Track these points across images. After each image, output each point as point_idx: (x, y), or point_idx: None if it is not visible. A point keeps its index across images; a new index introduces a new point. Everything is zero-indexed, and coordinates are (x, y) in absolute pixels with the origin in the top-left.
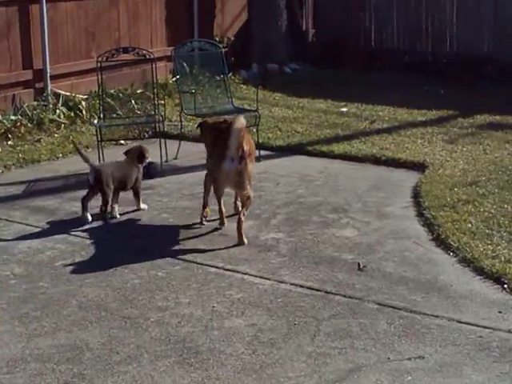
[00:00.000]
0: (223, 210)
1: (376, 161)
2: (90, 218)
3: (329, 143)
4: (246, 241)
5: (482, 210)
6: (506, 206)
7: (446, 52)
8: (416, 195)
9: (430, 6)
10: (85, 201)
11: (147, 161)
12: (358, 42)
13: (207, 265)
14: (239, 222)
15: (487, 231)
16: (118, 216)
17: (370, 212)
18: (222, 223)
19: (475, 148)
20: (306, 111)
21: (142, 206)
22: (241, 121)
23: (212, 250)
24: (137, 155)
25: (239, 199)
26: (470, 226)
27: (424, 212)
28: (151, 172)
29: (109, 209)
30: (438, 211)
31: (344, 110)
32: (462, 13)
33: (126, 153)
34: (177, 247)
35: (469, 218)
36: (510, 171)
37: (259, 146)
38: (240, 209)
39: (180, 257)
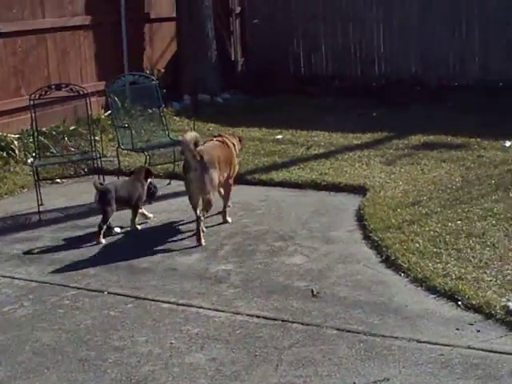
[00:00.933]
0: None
1: (316, 186)
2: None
3: (267, 171)
4: (203, 242)
5: (427, 229)
6: (450, 224)
7: (376, 75)
8: (360, 218)
9: (357, 30)
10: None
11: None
12: (288, 69)
13: (160, 301)
14: (198, 221)
15: (435, 250)
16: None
17: (316, 238)
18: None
19: (413, 168)
20: None
21: (149, 214)
22: (188, 134)
23: (163, 286)
24: (143, 172)
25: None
26: (417, 245)
27: (370, 235)
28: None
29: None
30: (385, 233)
31: (279, 137)
32: (389, 36)
33: (132, 172)
34: (127, 285)
35: (416, 237)
36: (449, 190)
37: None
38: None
39: (131, 294)
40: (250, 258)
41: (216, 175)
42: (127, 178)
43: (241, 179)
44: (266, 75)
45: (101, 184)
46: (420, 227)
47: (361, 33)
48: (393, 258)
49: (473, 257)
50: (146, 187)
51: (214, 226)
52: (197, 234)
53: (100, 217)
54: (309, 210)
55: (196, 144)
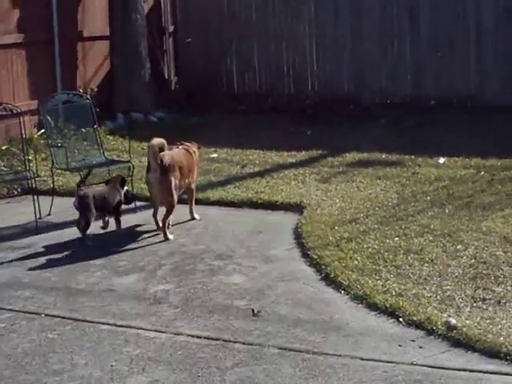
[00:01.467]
0: (158, 221)
1: (253, 205)
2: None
3: (203, 190)
4: (170, 237)
5: (365, 246)
6: (387, 240)
7: (309, 93)
8: (298, 236)
9: (290, 48)
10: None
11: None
12: (222, 87)
13: (98, 322)
14: (163, 223)
15: (374, 267)
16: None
17: (254, 257)
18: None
19: (349, 186)
20: None
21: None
22: (155, 140)
23: (101, 307)
24: (119, 181)
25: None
26: (356, 263)
27: (309, 252)
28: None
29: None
30: (323, 251)
31: (214, 155)
32: (322, 54)
33: (108, 180)
34: (64, 307)
35: (354, 255)
36: (386, 207)
37: (135, 197)
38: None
39: (69, 316)
40: (188, 277)
41: (174, 178)
42: (104, 186)
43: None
44: (199, 94)
45: (80, 190)
46: (358, 244)
47: (294, 51)
48: (332, 275)
49: (412, 273)
50: (123, 194)
51: (151, 244)
52: (163, 234)
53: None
54: (246, 229)
55: (161, 149)
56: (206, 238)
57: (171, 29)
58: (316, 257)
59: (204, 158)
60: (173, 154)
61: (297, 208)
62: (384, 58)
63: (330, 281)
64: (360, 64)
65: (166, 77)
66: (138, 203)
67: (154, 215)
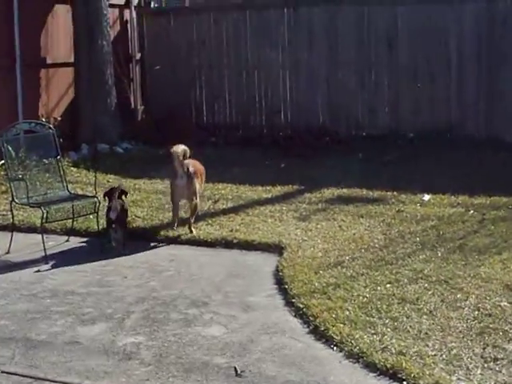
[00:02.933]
0: (177, 213)
1: (227, 244)
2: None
3: (174, 228)
4: (194, 232)
5: (355, 294)
6: (379, 287)
7: (282, 125)
8: (279, 281)
9: (262, 77)
10: None
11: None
12: (190, 118)
13: (61, 382)
14: (190, 221)
15: (368, 318)
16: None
17: (233, 304)
18: (173, 222)
19: (330, 225)
20: (145, 193)
21: None
22: (178, 147)
23: (65, 363)
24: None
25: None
26: (347, 313)
27: (293, 300)
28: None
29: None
30: (309, 299)
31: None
32: (296, 84)
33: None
34: (23, 362)
35: (344, 304)
36: (372, 248)
37: (99, 235)
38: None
39: (29, 374)
40: (161, 328)
41: (198, 184)
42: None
43: (145, 237)
44: (167, 124)
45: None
46: (347, 292)
47: (266, 80)
48: (322, 328)
49: (411, 327)
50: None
51: (119, 287)
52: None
53: None
54: (222, 272)
55: (184, 156)
56: (178, 281)
57: (138, 56)
58: (302, 306)
59: None
60: (193, 162)
61: (275, 248)
62: (361, 89)
63: (319, 335)
64: (336, 94)
65: (133, 106)
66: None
67: (176, 214)
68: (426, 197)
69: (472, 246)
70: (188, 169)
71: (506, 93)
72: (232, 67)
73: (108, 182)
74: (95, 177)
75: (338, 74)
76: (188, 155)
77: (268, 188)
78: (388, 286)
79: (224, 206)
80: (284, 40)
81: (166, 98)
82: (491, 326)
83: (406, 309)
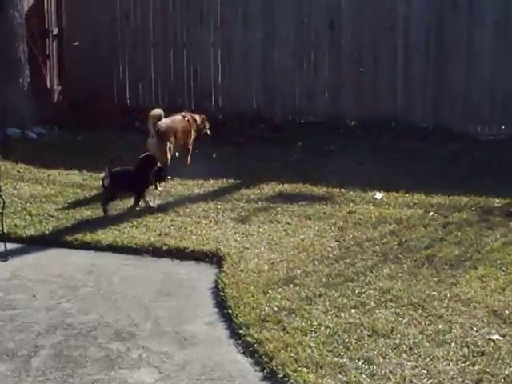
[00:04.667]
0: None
1: (156, 252)
2: None
3: (93, 229)
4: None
5: (315, 323)
6: (342, 313)
7: (212, 109)
8: (220, 303)
9: (191, 58)
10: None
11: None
12: (112, 100)
13: None
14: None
15: (336, 359)
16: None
17: (166, 335)
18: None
19: (274, 228)
20: (59, 186)
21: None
22: (155, 110)
23: None
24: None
25: None
26: (310, 352)
27: (240, 332)
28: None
29: None
30: (260, 330)
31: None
32: (229, 65)
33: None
34: None
35: (304, 338)
36: (327, 259)
37: (5, 237)
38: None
39: None
40: (77, 371)
41: (168, 143)
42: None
43: (59, 241)
44: (86, 107)
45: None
46: (305, 320)
47: (196, 61)
48: (281, 374)
49: (391, 372)
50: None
51: (25, 310)
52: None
53: None
54: (151, 289)
55: (159, 118)
56: (98, 302)
57: (55, 31)
58: (252, 340)
59: (92, 186)
60: (169, 121)
61: (213, 258)
62: (299, 72)
63: (279, 383)
64: (272, 77)
65: (49, 86)
66: (11, 245)
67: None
68: (379, 195)
69: (441, 257)
70: (159, 129)
71: (454, 81)
72: (158, 45)
73: (18, 172)
74: None
75: (275, 56)
76: (162, 117)
77: (200, 182)
78: (353, 311)
79: (150, 203)
80: (216, 16)
81: (86, 78)
82: (488, 370)
83: (380, 345)
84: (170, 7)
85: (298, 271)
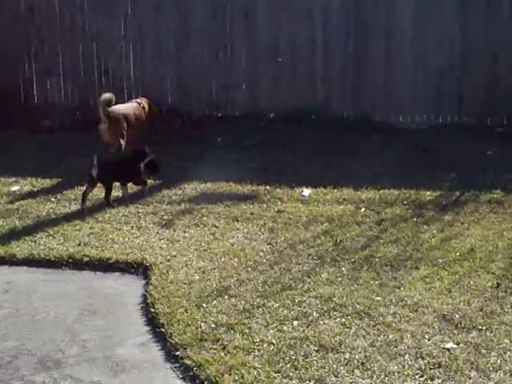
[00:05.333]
0: None
1: (76, 264)
2: None
3: (6, 242)
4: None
5: (257, 339)
6: (285, 327)
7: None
8: (152, 321)
9: (101, 51)
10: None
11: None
12: (18, 98)
13: None
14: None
15: (285, 381)
16: None
17: (95, 361)
18: None
19: (201, 232)
20: None
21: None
22: (105, 95)
23: None
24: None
25: None
26: (256, 374)
27: (177, 354)
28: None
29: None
30: (198, 351)
31: (15, 188)
32: (140, 58)
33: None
34: None
35: (247, 358)
36: (260, 265)
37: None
38: None
39: None
40: None
41: (120, 128)
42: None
43: None
44: None
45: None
46: (245, 337)
47: (107, 55)
48: None
49: None
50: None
51: None
52: None
53: None
54: (74, 307)
55: (109, 103)
56: (17, 325)
57: None
58: (191, 363)
59: (2, 193)
60: (121, 107)
61: (139, 268)
62: (215, 64)
63: None
64: (187, 71)
65: None
66: None
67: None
68: (306, 191)
69: (380, 257)
70: (110, 113)
71: (374, 70)
72: (66, 39)
73: None
74: None
75: (189, 48)
76: (113, 102)
77: (117, 184)
78: (296, 323)
79: (67, 210)
80: (127, 8)
81: None
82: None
83: (329, 361)
84: None
85: (232, 280)
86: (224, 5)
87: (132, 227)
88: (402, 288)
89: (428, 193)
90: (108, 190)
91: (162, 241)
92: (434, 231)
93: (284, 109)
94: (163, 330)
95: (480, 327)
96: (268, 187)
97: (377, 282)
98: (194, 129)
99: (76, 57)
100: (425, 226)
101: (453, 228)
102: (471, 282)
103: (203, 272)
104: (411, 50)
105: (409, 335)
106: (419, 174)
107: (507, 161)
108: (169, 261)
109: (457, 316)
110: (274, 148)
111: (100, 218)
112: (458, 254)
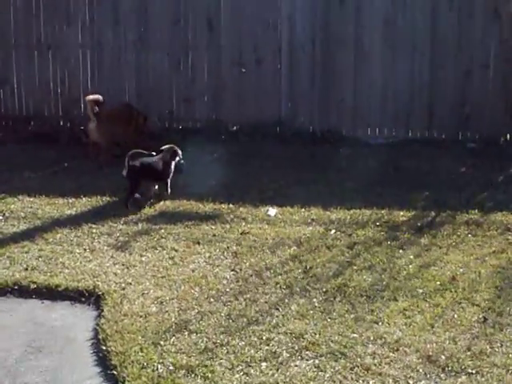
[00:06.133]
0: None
1: (23, 291)
2: None
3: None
4: None
5: (221, 383)
6: (252, 370)
7: (82, 117)
8: (103, 361)
9: (58, 60)
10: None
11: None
12: None
13: None
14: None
15: None
16: None
17: None
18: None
19: (159, 256)
20: None
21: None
22: (93, 95)
23: None
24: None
25: None
26: None
27: None
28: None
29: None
30: None
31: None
32: (99, 69)
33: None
34: None
35: None
36: (224, 295)
37: None
38: None
39: None
40: None
41: (109, 127)
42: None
43: None
44: None
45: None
46: (207, 381)
47: (63, 64)
48: None
49: None
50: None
51: None
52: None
53: None
54: (18, 343)
55: (97, 102)
56: None
57: None
58: None
59: None
60: (110, 109)
61: (90, 297)
62: (176, 75)
63: None
64: (146, 81)
65: None
66: None
67: (94, 153)
68: (272, 211)
69: (354, 287)
70: (98, 112)
71: (342, 82)
72: (21, 47)
73: None
74: None
75: (149, 58)
76: (101, 101)
77: (71, 201)
78: (264, 365)
79: (14, 229)
80: (84, 15)
81: None
82: None
83: None
84: (32, 5)
85: (193, 312)
86: (186, 14)
87: (85, 249)
88: (380, 323)
89: (401, 213)
90: (132, 190)
91: (117, 265)
92: (411, 256)
93: (248, 122)
94: (116, 372)
95: (469, 370)
96: (231, 206)
97: (352, 316)
98: (152, 141)
99: (31, 65)
100: (400, 251)
101: (430, 253)
102: (455, 316)
103: (161, 303)
104: (381, 63)
105: (391, 380)
106: (391, 192)
107: (481, 178)
108: (123, 289)
109: (443, 357)
110: (237, 163)
111: (51, 239)
112: (438, 283)
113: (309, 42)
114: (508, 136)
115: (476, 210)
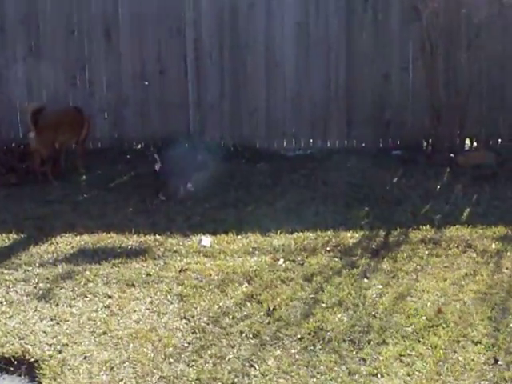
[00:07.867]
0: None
1: None
2: None
3: None
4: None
5: None
6: None
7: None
8: None
9: None
10: None
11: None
12: None
13: None
14: (46, 170)
15: None
16: None
17: None
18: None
19: (92, 305)
20: None
21: None
22: (33, 103)
23: None
24: None
25: None
26: None
27: None
28: None
29: None
30: None
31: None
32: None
33: None
34: None
35: None
36: (184, 353)
37: None
38: None
39: None
40: None
41: (49, 136)
42: None
43: None
44: None
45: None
46: None
47: None
48: None
49: None
50: None
51: None
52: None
53: None
54: None
55: (38, 111)
56: None
57: None
58: None
59: None
60: (51, 115)
61: (20, 366)
62: (72, 90)
63: None
64: (39, 98)
65: None
66: None
67: (37, 164)
68: (206, 240)
69: (332, 329)
70: (36, 121)
71: (253, 90)
72: None
73: None
74: None
75: (41, 72)
76: (42, 110)
77: None
78: None
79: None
80: None
81: None
82: None
83: None
84: None
85: (154, 379)
86: (81, 24)
87: (1, 302)
88: (378, 375)
89: (349, 234)
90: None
91: (45, 321)
92: (379, 286)
93: (153, 138)
94: None
95: None
96: (158, 237)
97: (343, 369)
98: (53, 167)
99: None
100: (365, 280)
101: (399, 281)
102: (460, 359)
103: (111, 368)
104: (295, 69)
105: None
106: (327, 209)
107: (418, 188)
108: (60, 352)
109: None
110: (147, 185)
111: None
112: (424, 318)
113: (216, 49)
114: (430, 140)
115: (428, 226)
